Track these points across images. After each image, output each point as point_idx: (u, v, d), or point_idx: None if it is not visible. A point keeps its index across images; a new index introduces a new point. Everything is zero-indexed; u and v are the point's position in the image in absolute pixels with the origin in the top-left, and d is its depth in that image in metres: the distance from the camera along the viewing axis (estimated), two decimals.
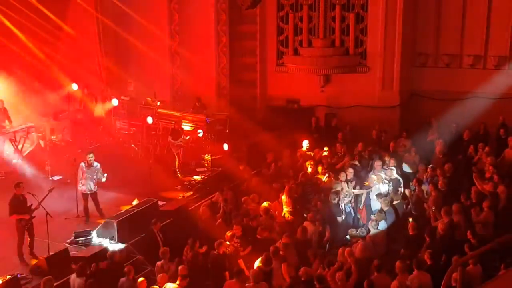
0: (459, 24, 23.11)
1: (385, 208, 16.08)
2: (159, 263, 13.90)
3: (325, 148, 20.48)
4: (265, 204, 16.32)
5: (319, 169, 18.76)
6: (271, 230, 15.55)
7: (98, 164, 17.03)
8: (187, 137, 20.98)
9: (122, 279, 13.08)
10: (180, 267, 13.14)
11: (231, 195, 17.35)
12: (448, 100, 22.91)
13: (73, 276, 13.26)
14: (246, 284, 12.68)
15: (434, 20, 23.42)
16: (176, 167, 20.41)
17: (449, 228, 14.55)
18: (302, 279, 12.89)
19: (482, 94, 22.49)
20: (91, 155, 17.00)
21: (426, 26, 23.57)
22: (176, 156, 20.46)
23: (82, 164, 16.81)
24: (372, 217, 15.70)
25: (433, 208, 16.01)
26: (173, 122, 21.05)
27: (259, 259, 13.62)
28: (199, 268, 14.03)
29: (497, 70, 22.88)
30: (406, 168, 19.41)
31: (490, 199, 15.55)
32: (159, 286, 12.83)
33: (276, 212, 16.68)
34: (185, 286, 12.89)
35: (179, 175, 20.27)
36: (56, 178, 19.02)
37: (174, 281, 12.92)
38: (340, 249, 14.25)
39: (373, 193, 17.25)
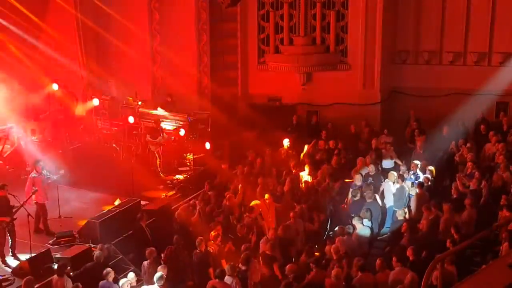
0: (439, 20, 23.29)
1: (369, 200, 16.21)
2: (145, 262, 13.85)
3: (306, 146, 20.54)
4: (253, 203, 16.30)
5: (306, 167, 18.79)
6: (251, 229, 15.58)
7: (47, 172, 16.38)
8: (167, 136, 20.94)
9: (102, 282, 12.95)
10: (159, 267, 13.09)
11: (213, 193, 17.33)
12: (429, 97, 23.07)
13: (55, 277, 13.18)
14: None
15: (414, 17, 23.58)
16: (158, 166, 20.37)
17: (432, 225, 14.65)
18: (290, 276, 12.89)
19: (462, 91, 22.67)
20: (41, 162, 16.33)
21: (406, 23, 23.72)
22: (156, 155, 20.41)
23: (33, 174, 16.05)
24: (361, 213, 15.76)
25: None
26: (152, 121, 21.02)
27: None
28: (181, 266, 14.03)
29: (477, 67, 23.07)
30: (385, 164, 19.59)
31: (472, 197, 15.65)
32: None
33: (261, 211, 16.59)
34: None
35: (161, 174, 20.24)
36: None
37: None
38: (327, 247, 14.34)
39: (386, 191, 17.31)
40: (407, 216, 15.78)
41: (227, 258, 14.31)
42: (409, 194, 17.16)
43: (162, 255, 13.88)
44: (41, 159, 16.88)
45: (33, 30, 22.43)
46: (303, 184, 18.27)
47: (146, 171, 19.84)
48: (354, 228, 15.17)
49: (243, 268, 13.19)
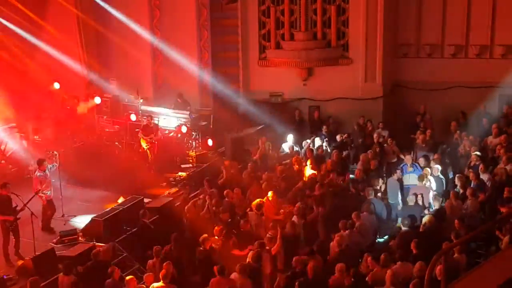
0: (440, 14, 23.22)
1: (370, 197, 16.19)
2: (150, 261, 13.79)
3: (308, 141, 20.54)
4: (258, 200, 16.28)
5: (308, 162, 18.77)
6: (256, 225, 15.55)
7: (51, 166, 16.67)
8: (161, 135, 20.94)
9: (108, 281, 12.87)
10: (164, 264, 13.08)
11: (214, 190, 17.31)
12: (431, 90, 23.05)
13: (61, 275, 13.16)
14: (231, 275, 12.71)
15: (415, 11, 23.52)
16: (149, 161, 20.37)
17: (435, 219, 14.63)
18: (297, 269, 12.87)
19: (464, 84, 22.65)
20: (46, 162, 16.49)
21: (408, 17, 23.67)
22: (148, 151, 20.41)
23: (38, 173, 16.17)
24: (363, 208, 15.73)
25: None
26: (145, 118, 21.01)
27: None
28: (185, 264, 14.03)
29: (479, 59, 23.03)
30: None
31: (475, 188, 15.63)
32: (146, 286, 12.77)
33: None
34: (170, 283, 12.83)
35: (152, 171, 20.20)
36: None
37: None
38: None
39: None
40: (419, 202, 15.71)
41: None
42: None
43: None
44: (45, 159, 16.87)
45: (34, 29, 22.42)
46: (306, 178, 18.27)
47: (148, 169, 19.89)
48: (356, 221, 15.12)
49: (255, 265, 13.18)
